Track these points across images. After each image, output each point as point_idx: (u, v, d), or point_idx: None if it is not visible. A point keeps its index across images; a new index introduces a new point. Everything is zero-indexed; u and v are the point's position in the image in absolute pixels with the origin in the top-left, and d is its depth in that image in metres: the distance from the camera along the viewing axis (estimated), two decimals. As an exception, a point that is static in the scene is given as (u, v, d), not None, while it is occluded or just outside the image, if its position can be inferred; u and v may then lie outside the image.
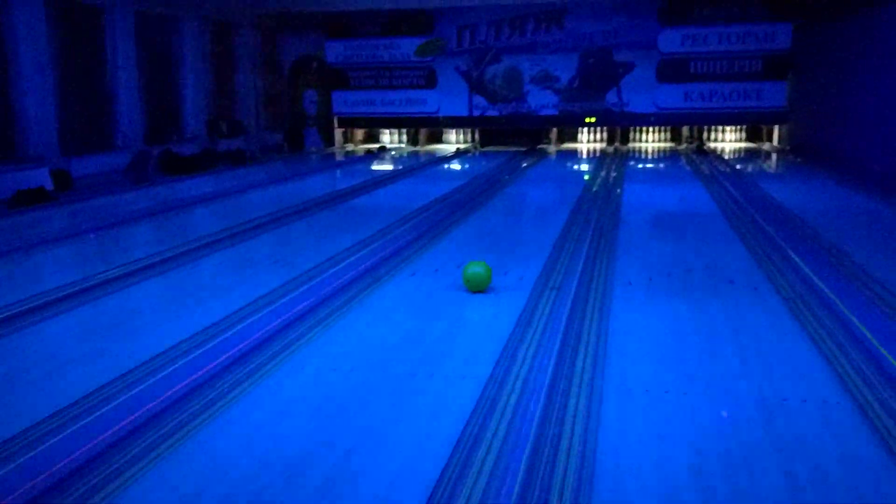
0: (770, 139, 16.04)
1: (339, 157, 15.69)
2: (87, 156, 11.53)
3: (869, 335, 4.16)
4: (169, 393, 3.52)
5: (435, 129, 17.44)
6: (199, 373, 3.76)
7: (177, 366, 3.87)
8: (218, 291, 5.45)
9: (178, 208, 9.32)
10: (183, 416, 3.28)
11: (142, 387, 3.61)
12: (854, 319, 4.44)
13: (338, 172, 13.76)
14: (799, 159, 13.31)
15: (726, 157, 14.18)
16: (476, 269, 5.20)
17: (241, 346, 4.15)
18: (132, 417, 3.27)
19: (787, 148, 14.76)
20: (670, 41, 14.93)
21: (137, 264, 6.15)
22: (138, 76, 12.59)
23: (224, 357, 3.98)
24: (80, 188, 10.67)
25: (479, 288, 5.19)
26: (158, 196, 10.32)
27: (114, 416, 3.30)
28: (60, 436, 3.12)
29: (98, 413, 3.33)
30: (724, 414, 3.30)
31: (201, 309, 4.92)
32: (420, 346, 4.22)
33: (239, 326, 4.48)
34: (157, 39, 13.45)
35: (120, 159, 12.01)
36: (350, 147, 17.43)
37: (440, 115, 16.42)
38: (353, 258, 6.23)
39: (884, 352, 3.91)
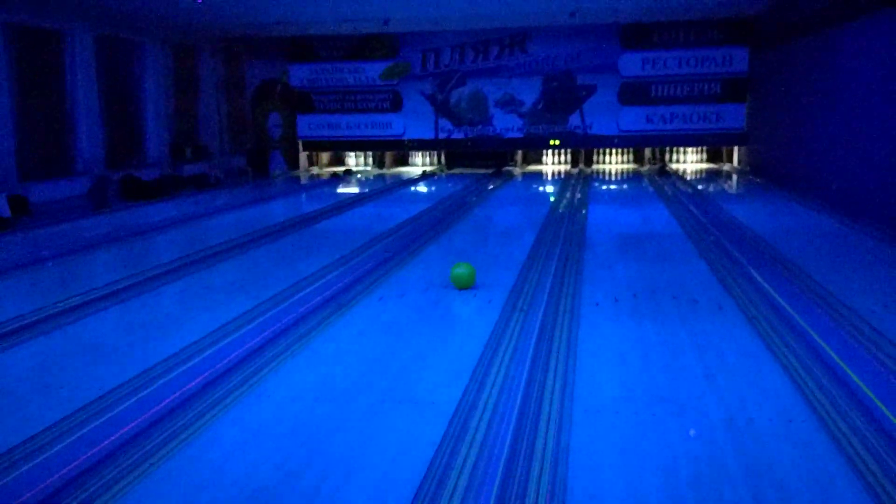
0: (730, 160, 16.37)
1: (304, 181, 15.62)
2: (46, 181, 11.31)
3: (832, 353, 4.23)
4: (130, 425, 3.43)
5: (401, 151, 17.48)
6: (161, 405, 3.67)
7: (138, 397, 3.77)
8: (180, 320, 5.34)
9: (140, 234, 9.16)
10: (144, 450, 3.19)
11: (101, 420, 3.51)
12: (816, 337, 4.50)
13: (303, 196, 13.68)
14: (759, 179, 13.59)
15: (688, 177, 14.42)
16: (460, 270, 5.94)
17: (203, 376, 4.06)
18: (92, 452, 3.17)
19: (747, 168, 15.07)
20: (631, 65, 15.20)
21: (97, 293, 6.01)
22: (99, 100, 12.42)
23: (187, 388, 3.89)
24: (38, 214, 10.44)
25: (465, 286, 5.89)
26: (119, 222, 10.15)
27: (72, 451, 3.19)
28: (16, 473, 3.00)
29: (57, 447, 3.22)
30: (692, 432, 3.31)
31: (163, 339, 4.82)
32: (388, 372, 4.18)
33: (201, 356, 4.39)
34: (119, 63, 13.29)
35: (79, 185, 11.80)
36: (315, 170, 17.37)
37: (406, 138, 16.46)
38: (318, 283, 6.17)
39: (846, 369, 3.97)
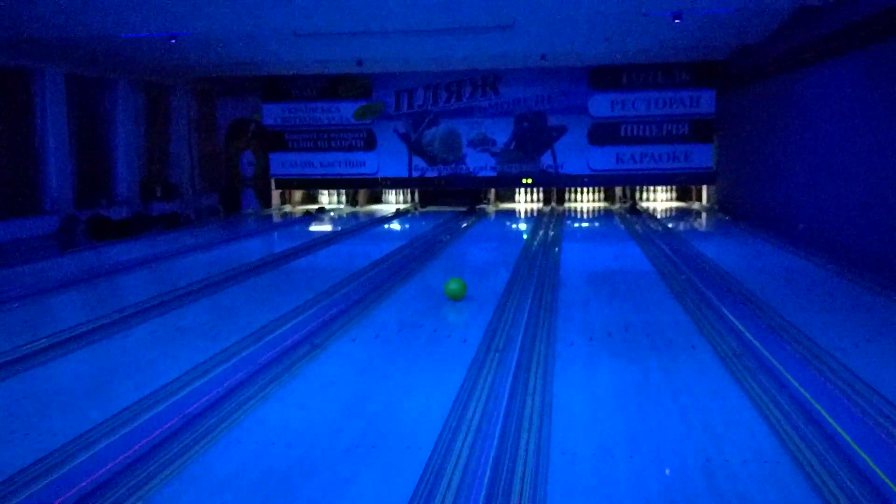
0: (699, 198, 16.65)
1: (276, 219, 15.55)
2: (13, 220, 11.12)
3: (805, 392, 4.26)
4: (97, 474, 3.33)
5: (374, 190, 17.53)
6: (129, 451, 3.58)
7: (105, 444, 3.67)
8: (148, 363, 5.24)
9: (108, 275, 9.02)
10: (111, 500, 3.09)
11: (67, 468, 3.40)
12: (789, 377, 4.54)
13: (275, 234, 13.61)
14: (727, 217, 13.82)
15: (658, 216, 14.62)
16: (453, 286, 6.97)
17: (173, 421, 3.97)
18: (59, 501, 3.06)
19: (716, 207, 15.33)
20: (600, 106, 15.49)
21: (64, 335, 5.88)
22: (68, 139, 12.31)
23: (156, 434, 3.79)
24: (5, 254, 10.24)
25: (457, 297, 6.90)
26: (88, 262, 9.99)
27: (37, 501, 3.09)
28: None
29: (21, 498, 3.11)
30: (668, 472, 3.30)
31: (131, 383, 4.71)
32: (362, 415, 4.12)
33: (171, 400, 4.30)
34: (89, 102, 13.22)
35: (47, 224, 11.62)
36: (288, 208, 17.32)
37: (379, 176, 16.52)
38: (291, 324, 6.10)
39: (819, 408, 4.00)
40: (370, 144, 16.35)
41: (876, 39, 8.02)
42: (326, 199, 17.99)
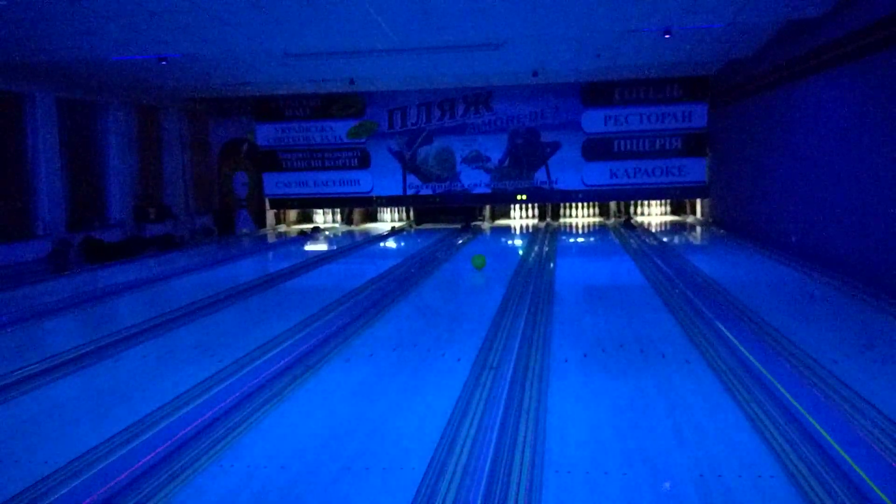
0: (693, 212, 16.69)
1: (271, 239, 15.54)
2: (5, 245, 11.09)
3: (798, 405, 4.25)
4: (90, 499, 3.29)
5: (369, 208, 17.55)
6: (123, 475, 3.54)
7: (99, 468, 3.64)
8: (141, 386, 5.20)
9: (101, 298, 8.98)
10: (100, 526, 3.06)
11: (58, 494, 3.37)
12: (782, 390, 4.53)
13: (270, 255, 13.59)
14: (722, 231, 13.84)
15: (653, 230, 14.64)
16: (478, 261, 9.77)
17: (166, 444, 3.94)
18: (44, 531, 3.03)
19: (710, 220, 15.36)
20: (593, 121, 15.56)
21: (57, 359, 5.85)
22: (60, 162, 12.31)
23: (149, 457, 3.76)
24: (-4, 279, 10.21)
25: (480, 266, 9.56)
26: (81, 285, 9.95)
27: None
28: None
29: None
30: (667, 485, 3.28)
31: (124, 406, 4.68)
32: (355, 436, 4.09)
33: (163, 424, 4.27)
34: (81, 125, 13.24)
35: (40, 248, 11.59)
36: (282, 228, 17.31)
37: (374, 194, 16.55)
38: (285, 345, 6.08)
39: (813, 421, 3.98)
40: (364, 163, 16.40)
41: (866, 52, 8.08)
42: (321, 218, 18.01)
